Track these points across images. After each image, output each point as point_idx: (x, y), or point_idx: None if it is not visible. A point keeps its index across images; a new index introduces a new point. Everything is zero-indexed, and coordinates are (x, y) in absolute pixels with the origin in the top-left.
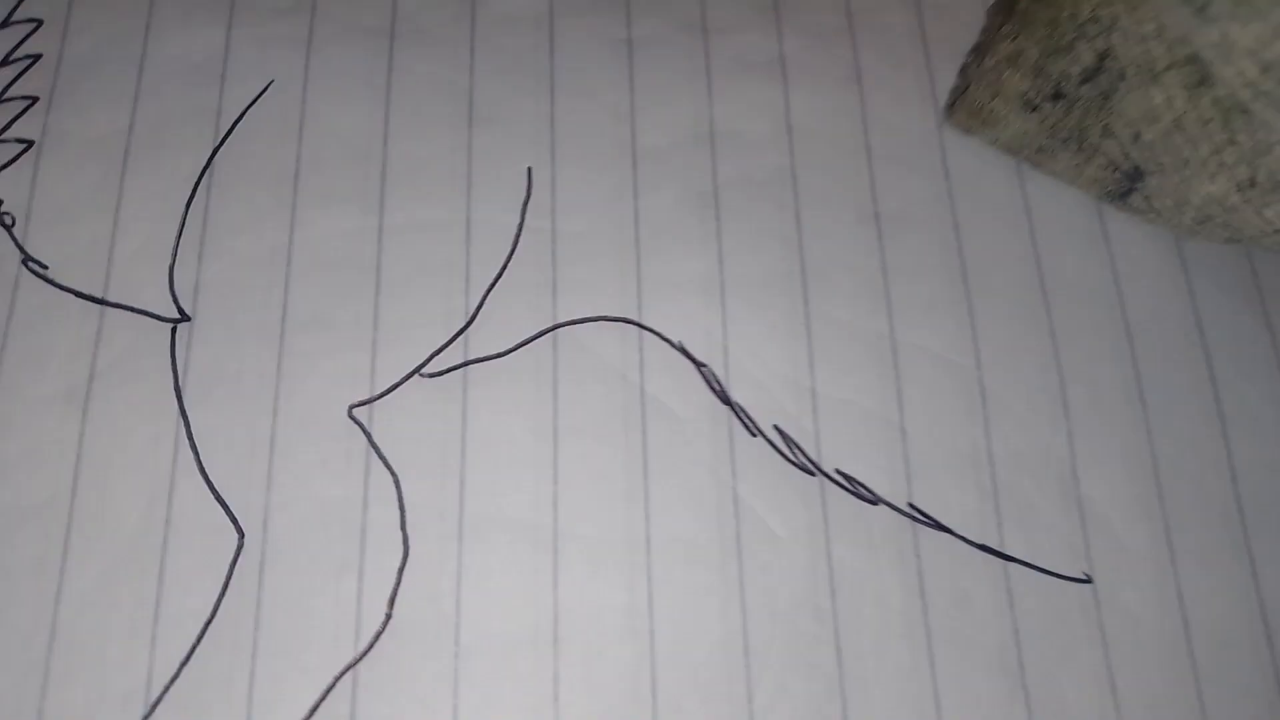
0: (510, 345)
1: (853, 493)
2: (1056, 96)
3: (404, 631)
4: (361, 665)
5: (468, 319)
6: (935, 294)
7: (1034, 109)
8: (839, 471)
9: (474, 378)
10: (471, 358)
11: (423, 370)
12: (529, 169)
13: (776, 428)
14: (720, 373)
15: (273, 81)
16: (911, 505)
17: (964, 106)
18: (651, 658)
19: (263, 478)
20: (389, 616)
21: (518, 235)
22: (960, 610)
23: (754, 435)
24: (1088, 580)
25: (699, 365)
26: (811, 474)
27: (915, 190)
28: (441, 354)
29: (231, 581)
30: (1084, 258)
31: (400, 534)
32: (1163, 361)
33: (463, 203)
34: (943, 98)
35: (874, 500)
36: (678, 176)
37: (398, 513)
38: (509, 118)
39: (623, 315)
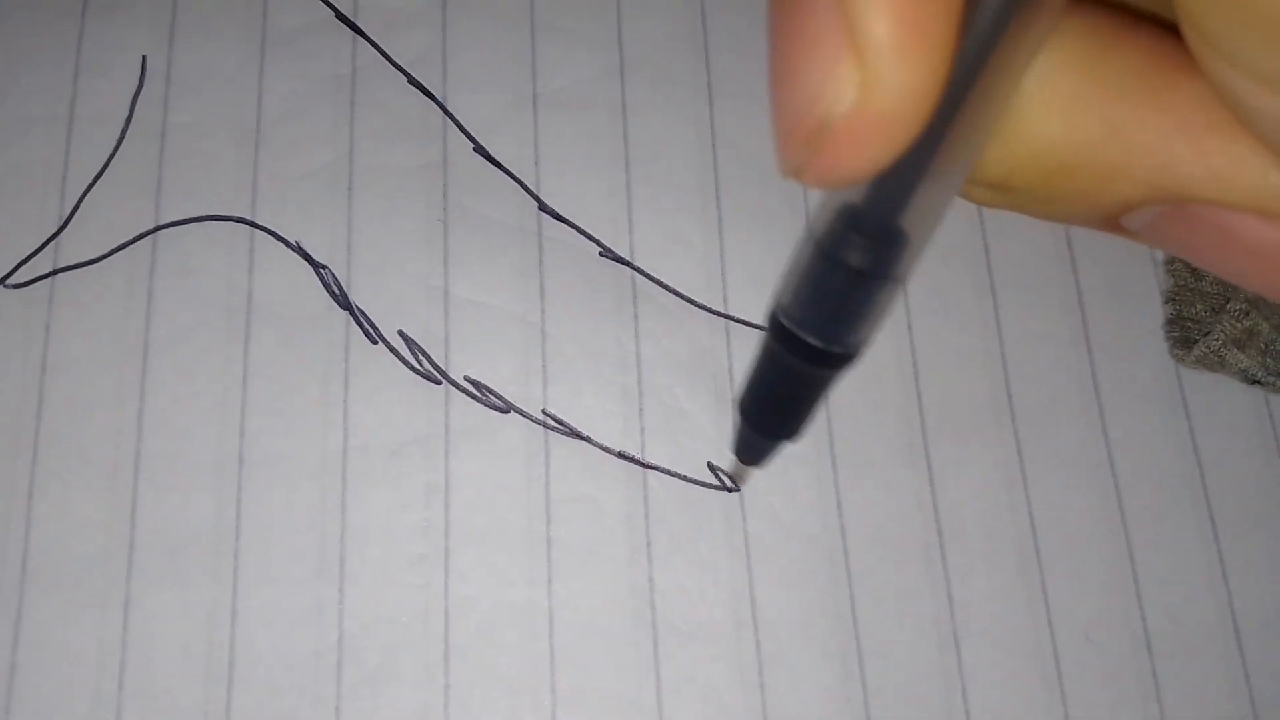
0: (104, 251)
1: (481, 400)
2: None
3: None
4: None
5: (61, 224)
6: (589, 177)
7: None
8: (467, 379)
9: (62, 289)
10: (61, 265)
11: (7, 281)
12: (144, 57)
13: (401, 333)
14: (343, 275)
15: None
16: (545, 412)
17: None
18: (234, 581)
19: None
20: None
21: (123, 131)
22: (588, 520)
23: (374, 343)
24: (734, 489)
25: (318, 267)
26: (437, 382)
27: (584, 67)
28: (29, 263)
29: None
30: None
31: None
32: None
33: (66, 98)
34: None
35: (505, 408)
36: (310, 60)
37: None
38: (128, 3)
39: (235, 214)
